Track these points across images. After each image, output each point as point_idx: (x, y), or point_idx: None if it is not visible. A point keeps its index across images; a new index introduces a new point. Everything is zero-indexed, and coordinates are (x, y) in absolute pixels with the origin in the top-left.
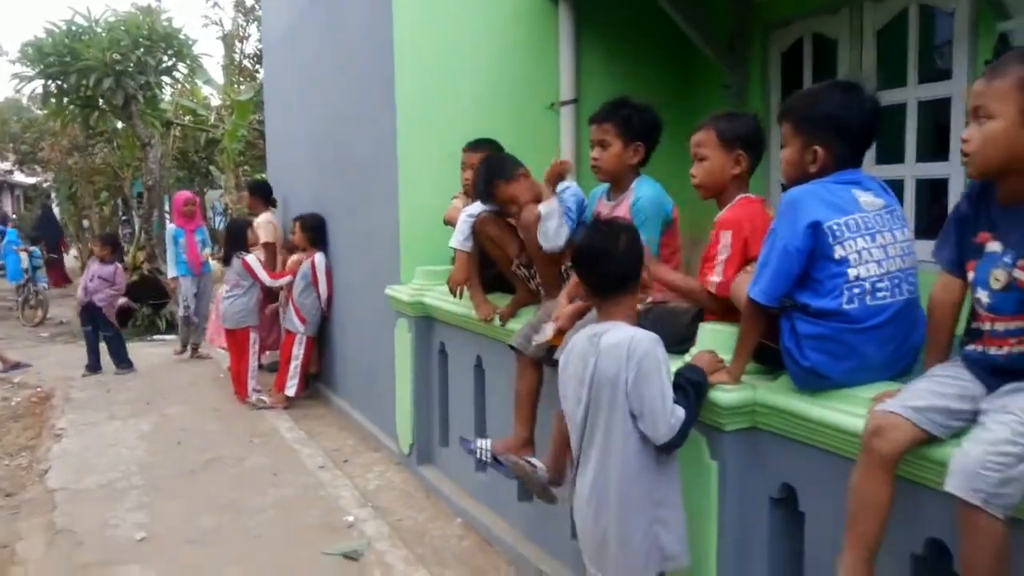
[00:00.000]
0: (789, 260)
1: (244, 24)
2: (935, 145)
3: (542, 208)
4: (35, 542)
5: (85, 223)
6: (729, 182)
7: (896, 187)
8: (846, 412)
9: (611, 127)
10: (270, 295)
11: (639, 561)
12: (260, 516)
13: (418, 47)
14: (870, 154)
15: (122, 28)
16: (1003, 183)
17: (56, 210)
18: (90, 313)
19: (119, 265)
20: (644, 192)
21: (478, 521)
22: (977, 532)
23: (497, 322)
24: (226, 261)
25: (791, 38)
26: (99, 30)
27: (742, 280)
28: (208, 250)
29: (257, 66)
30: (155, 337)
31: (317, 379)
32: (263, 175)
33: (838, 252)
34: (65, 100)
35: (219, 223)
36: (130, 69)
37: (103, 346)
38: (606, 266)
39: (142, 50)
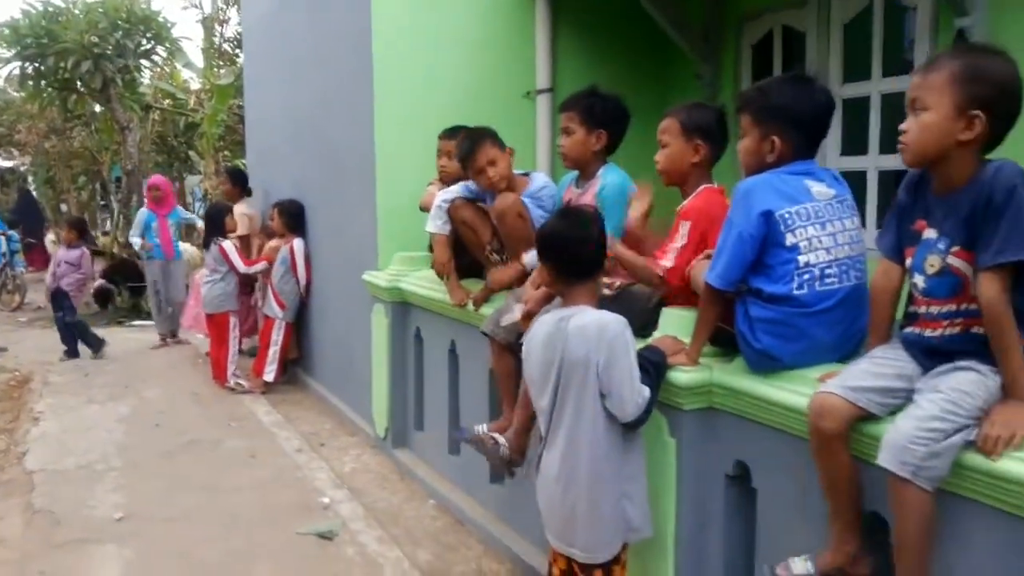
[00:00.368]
0: (743, 247)
1: (224, 7)
2: (897, 138)
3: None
4: (13, 522)
5: (63, 207)
6: (690, 170)
7: (860, 178)
8: (795, 392)
9: (575, 115)
10: (246, 283)
11: (606, 533)
12: (236, 497)
13: (396, 34)
14: (835, 145)
15: (100, 10)
16: (937, 173)
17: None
18: (58, 299)
19: (85, 249)
20: (610, 179)
21: (451, 502)
22: (907, 503)
23: (471, 307)
24: (206, 245)
25: (762, 30)
26: (77, 12)
27: (701, 266)
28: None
29: (237, 50)
30: (135, 323)
31: (295, 364)
32: (243, 161)
33: (789, 239)
34: (43, 83)
35: (198, 209)
36: (108, 52)
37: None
38: (571, 253)
39: (121, 33)
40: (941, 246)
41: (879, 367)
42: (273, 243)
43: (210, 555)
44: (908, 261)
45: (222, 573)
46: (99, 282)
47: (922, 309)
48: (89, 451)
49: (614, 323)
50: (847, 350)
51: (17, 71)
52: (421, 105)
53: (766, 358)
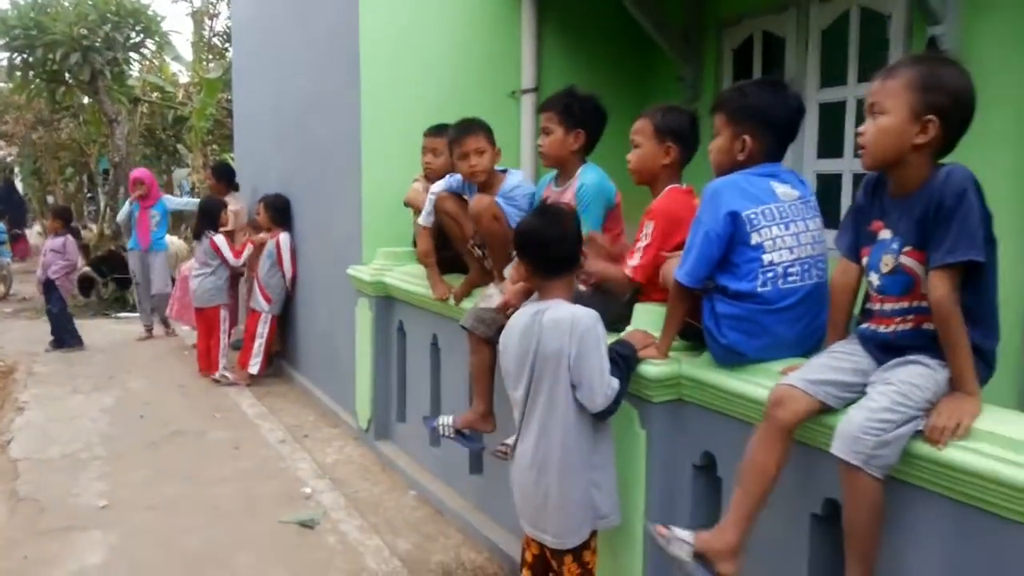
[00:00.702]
0: (710, 245)
1: (214, 1)
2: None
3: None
4: None
5: (50, 199)
6: (660, 171)
7: (836, 180)
8: (758, 384)
9: (553, 115)
10: (235, 276)
11: (576, 520)
12: (220, 486)
13: (383, 32)
14: (812, 148)
15: (89, 3)
16: (893, 176)
17: (20, 185)
18: (48, 289)
19: (69, 236)
20: (588, 178)
21: (431, 493)
22: (857, 490)
23: (452, 301)
24: (196, 237)
25: (742, 35)
26: (66, 4)
27: (672, 264)
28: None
29: (227, 44)
30: (121, 314)
31: (279, 357)
32: (231, 154)
33: (754, 239)
34: (31, 74)
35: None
36: (97, 44)
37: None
38: (547, 249)
39: (110, 25)
40: (895, 246)
41: (837, 361)
42: (260, 236)
43: (193, 542)
44: (864, 260)
45: (204, 560)
46: (84, 269)
47: (876, 306)
48: (73, 440)
49: (586, 317)
50: (809, 345)
51: (5, 62)
52: (407, 102)
53: (731, 353)
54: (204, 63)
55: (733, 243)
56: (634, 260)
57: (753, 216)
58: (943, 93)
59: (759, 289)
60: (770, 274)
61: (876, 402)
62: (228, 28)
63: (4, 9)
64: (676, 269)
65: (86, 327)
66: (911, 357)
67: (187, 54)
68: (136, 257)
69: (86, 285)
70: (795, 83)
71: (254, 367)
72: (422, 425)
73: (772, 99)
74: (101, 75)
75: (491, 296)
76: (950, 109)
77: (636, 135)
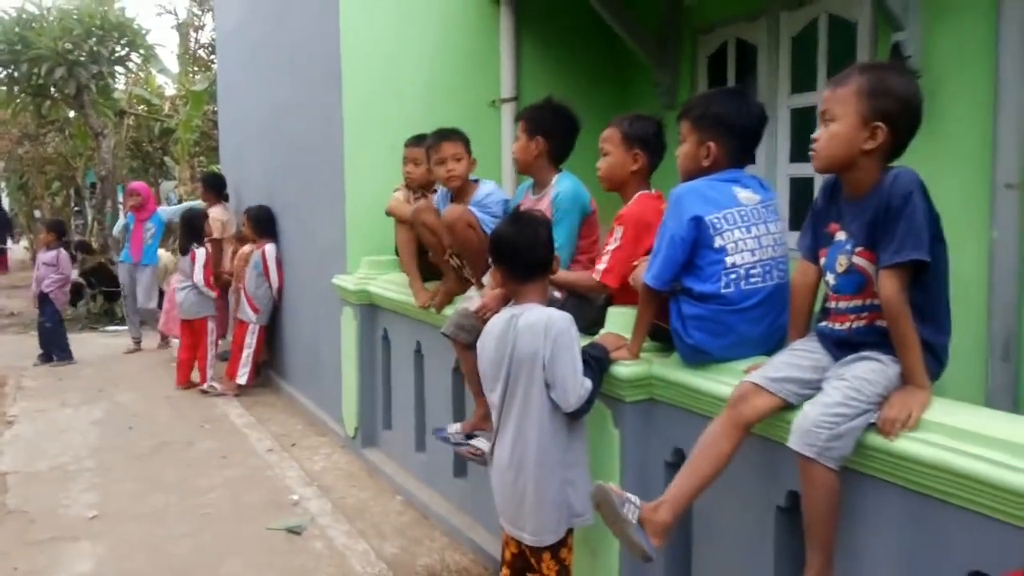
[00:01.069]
0: (675, 249)
1: (199, 13)
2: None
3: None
4: None
5: (37, 213)
6: (629, 178)
7: (808, 185)
8: (724, 383)
9: (522, 123)
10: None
11: (551, 518)
12: (208, 495)
13: (364, 43)
14: (784, 153)
15: (74, 17)
16: (846, 179)
17: (6, 200)
18: (42, 303)
19: (62, 249)
20: (564, 187)
21: (417, 498)
22: (814, 481)
23: (433, 309)
24: (183, 251)
25: (716, 43)
26: (51, 19)
27: (642, 268)
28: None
29: (212, 56)
30: (109, 328)
31: (267, 367)
32: (217, 166)
33: (717, 242)
34: (16, 89)
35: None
36: (82, 58)
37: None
38: (521, 255)
39: (95, 39)
40: (849, 247)
41: (797, 359)
42: (245, 249)
43: (181, 550)
44: (822, 261)
45: (193, 567)
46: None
47: (832, 304)
48: (62, 453)
49: (560, 320)
50: (771, 344)
51: None
52: (389, 112)
53: (697, 352)
54: (190, 75)
55: (697, 246)
56: (602, 264)
57: (716, 220)
58: (891, 100)
59: (723, 290)
60: (733, 276)
61: (830, 397)
62: (213, 40)
63: None
64: (644, 272)
65: (75, 341)
66: (865, 353)
67: (173, 66)
68: (126, 270)
69: (74, 294)
70: (767, 89)
71: (242, 378)
72: (408, 431)
73: (735, 107)
74: (87, 89)
75: (472, 299)
76: (898, 115)
77: (605, 143)
